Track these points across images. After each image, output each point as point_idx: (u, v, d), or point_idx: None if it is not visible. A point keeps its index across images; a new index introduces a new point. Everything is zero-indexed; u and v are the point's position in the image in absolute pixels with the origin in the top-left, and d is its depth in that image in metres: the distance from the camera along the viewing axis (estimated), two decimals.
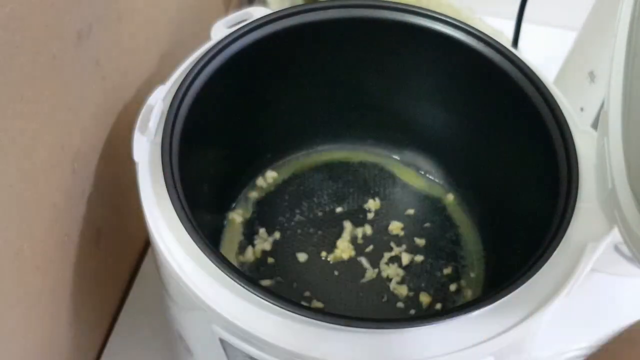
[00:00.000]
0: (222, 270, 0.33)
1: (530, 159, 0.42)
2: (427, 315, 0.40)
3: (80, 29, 0.36)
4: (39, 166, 0.35)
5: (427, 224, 0.50)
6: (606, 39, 0.43)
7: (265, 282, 0.47)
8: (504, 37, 0.56)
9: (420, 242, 0.49)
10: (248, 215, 0.50)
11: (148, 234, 0.36)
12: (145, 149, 0.37)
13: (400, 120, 0.50)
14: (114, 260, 0.50)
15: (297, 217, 0.50)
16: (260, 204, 0.50)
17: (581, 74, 0.44)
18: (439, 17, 0.43)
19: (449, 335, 0.32)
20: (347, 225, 0.49)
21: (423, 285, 0.47)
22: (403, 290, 0.46)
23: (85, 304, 0.46)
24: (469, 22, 0.42)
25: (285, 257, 0.48)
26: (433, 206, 0.51)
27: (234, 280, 0.32)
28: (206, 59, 0.41)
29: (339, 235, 0.49)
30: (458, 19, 0.43)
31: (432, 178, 0.52)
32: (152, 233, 0.35)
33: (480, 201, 0.50)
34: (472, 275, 0.47)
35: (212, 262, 0.33)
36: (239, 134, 0.48)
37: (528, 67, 0.41)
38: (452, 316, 0.32)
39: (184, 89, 0.39)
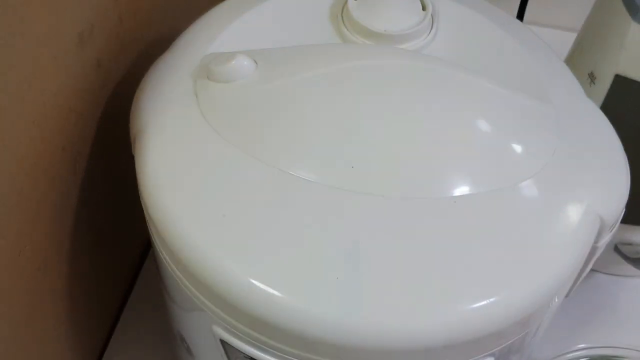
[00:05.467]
0: None
1: None
2: None
3: (81, 29, 0.36)
4: (41, 166, 0.35)
5: None
6: (606, 39, 0.43)
7: None
8: None
9: None
10: None
11: (149, 234, 0.36)
12: None
13: None
14: (115, 261, 0.50)
15: None
16: None
17: (581, 74, 0.44)
18: None
19: None
20: None
21: None
22: None
23: (86, 304, 0.46)
24: None
25: None
26: None
27: None
28: None
29: None
30: None
31: None
32: None
33: None
34: None
35: None
36: None
37: None
38: None
39: None
